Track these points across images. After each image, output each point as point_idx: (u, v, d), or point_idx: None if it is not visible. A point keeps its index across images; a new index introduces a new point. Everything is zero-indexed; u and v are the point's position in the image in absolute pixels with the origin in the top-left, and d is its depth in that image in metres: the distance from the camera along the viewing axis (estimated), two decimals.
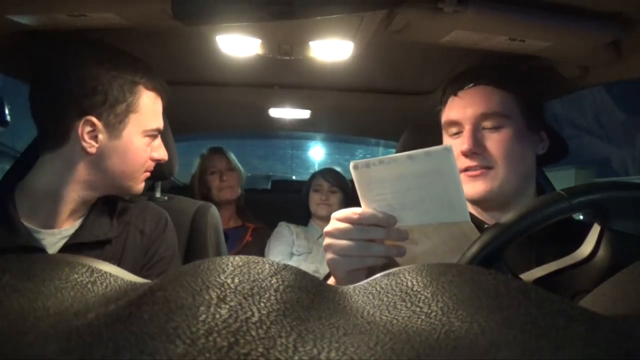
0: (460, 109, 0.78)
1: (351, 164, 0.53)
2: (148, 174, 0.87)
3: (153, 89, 0.82)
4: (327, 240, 0.55)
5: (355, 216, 0.53)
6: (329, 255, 0.55)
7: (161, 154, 0.86)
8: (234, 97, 1.38)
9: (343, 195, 1.82)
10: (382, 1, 0.67)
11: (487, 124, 0.75)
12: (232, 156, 1.88)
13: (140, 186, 0.86)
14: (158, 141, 0.85)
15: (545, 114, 0.84)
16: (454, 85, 0.81)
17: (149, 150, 0.83)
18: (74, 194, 0.77)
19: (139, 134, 0.80)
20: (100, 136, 0.75)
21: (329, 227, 0.55)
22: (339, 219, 0.55)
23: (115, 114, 0.76)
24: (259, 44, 0.90)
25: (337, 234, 0.54)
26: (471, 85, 0.78)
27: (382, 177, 0.52)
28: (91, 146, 0.75)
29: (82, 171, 0.77)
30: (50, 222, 0.76)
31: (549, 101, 1.03)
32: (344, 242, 0.53)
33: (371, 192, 0.53)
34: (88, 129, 0.74)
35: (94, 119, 0.74)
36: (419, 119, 1.35)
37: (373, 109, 1.46)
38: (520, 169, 0.76)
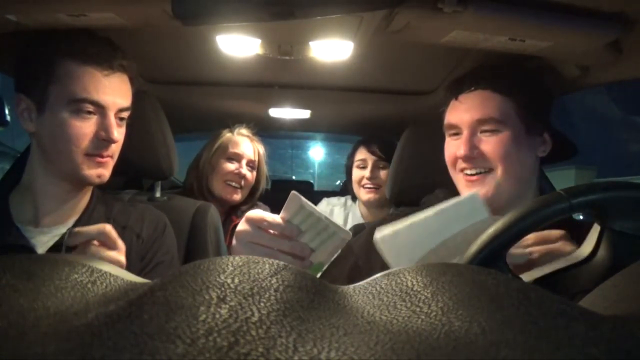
0: (459, 113, 0.80)
1: (378, 236, 0.54)
2: (108, 159, 0.77)
3: (74, 55, 0.73)
4: (237, 237, 0.57)
5: (265, 223, 0.55)
6: (238, 247, 0.57)
7: (109, 133, 0.74)
8: (234, 97, 1.38)
9: None
10: (382, 1, 0.67)
11: (484, 128, 0.77)
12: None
13: (92, 172, 0.76)
14: (107, 119, 0.75)
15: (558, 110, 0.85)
16: (455, 88, 0.82)
17: (84, 125, 0.73)
18: (45, 186, 0.77)
19: (62, 105, 0.73)
20: (33, 113, 0.75)
21: (240, 227, 0.57)
22: (252, 220, 0.56)
23: (37, 87, 0.74)
24: (259, 44, 0.90)
25: (247, 236, 0.56)
26: (471, 89, 0.79)
27: (411, 240, 0.54)
28: (28, 125, 0.75)
29: (37, 157, 0.77)
30: (39, 220, 0.76)
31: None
32: (252, 245, 0.55)
33: (401, 258, 0.55)
34: (22, 106, 0.75)
35: (22, 96, 0.75)
36: (419, 119, 1.35)
37: (373, 109, 1.46)
38: (519, 173, 0.77)
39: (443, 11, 0.65)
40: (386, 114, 1.50)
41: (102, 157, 0.76)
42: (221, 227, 1.16)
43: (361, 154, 1.47)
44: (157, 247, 0.86)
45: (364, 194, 1.42)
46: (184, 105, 1.41)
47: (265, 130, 2.13)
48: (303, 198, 0.53)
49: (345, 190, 1.64)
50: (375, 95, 1.35)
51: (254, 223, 0.56)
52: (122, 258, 0.66)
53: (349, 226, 1.28)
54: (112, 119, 0.76)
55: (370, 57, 1.02)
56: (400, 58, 1.06)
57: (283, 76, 1.24)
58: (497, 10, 0.66)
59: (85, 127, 0.74)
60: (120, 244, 0.66)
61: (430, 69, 1.14)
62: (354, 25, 0.79)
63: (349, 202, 1.64)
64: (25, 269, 0.28)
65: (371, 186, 1.41)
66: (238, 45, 0.90)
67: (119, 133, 0.78)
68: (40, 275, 0.28)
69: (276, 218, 0.55)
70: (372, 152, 1.43)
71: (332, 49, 0.91)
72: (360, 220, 1.48)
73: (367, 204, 1.44)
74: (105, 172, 0.78)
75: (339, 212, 1.56)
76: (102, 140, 0.75)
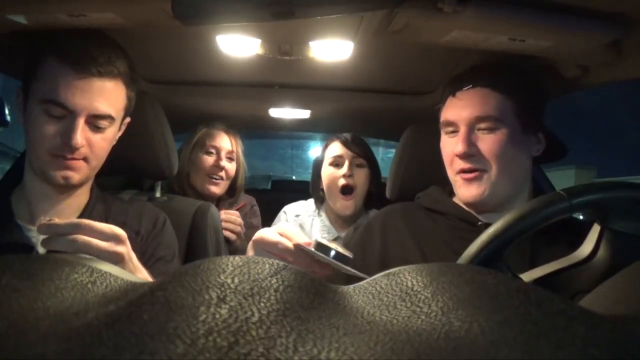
0: (456, 110, 0.80)
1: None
2: (76, 162, 0.74)
3: (55, 55, 0.72)
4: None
5: (276, 249, 0.54)
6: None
7: (70, 138, 0.71)
8: (234, 97, 1.38)
9: (370, 171, 1.32)
10: (382, 1, 0.67)
11: (482, 125, 0.77)
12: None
13: (58, 173, 0.73)
14: (72, 124, 0.72)
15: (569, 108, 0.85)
16: (453, 85, 0.82)
17: (50, 126, 0.72)
18: (34, 185, 0.77)
19: (36, 103, 0.72)
20: (22, 105, 0.76)
21: (249, 252, 0.55)
22: (262, 244, 0.54)
23: (26, 81, 0.75)
24: (259, 44, 0.90)
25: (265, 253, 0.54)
26: (469, 87, 0.79)
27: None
28: (21, 116, 0.77)
29: (26, 155, 0.78)
30: (36, 219, 0.76)
31: (550, 100, 1.03)
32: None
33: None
34: (18, 100, 0.77)
35: (20, 91, 0.77)
36: (419, 119, 1.35)
37: (373, 109, 1.46)
38: (513, 172, 0.78)
39: (443, 11, 0.65)
40: (386, 114, 1.50)
41: (67, 158, 0.73)
42: (221, 227, 1.16)
43: (335, 150, 1.34)
44: (157, 242, 0.86)
45: (339, 202, 1.28)
46: (184, 105, 1.41)
47: (265, 130, 2.13)
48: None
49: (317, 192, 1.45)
50: (375, 95, 1.35)
51: (264, 247, 0.54)
52: (119, 249, 0.59)
53: (316, 236, 1.06)
54: (79, 124, 0.72)
55: (370, 57, 1.01)
56: (400, 58, 1.06)
57: (283, 76, 1.24)
58: (497, 10, 0.66)
59: (51, 128, 0.71)
60: (116, 232, 0.59)
61: (430, 69, 1.14)
62: (354, 25, 0.79)
63: (312, 207, 1.48)
64: (25, 269, 0.28)
65: (347, 183, 1.28)
66: (238, 45, 0.90)
67: (87, 139, 0.74)
68: (40, 275, 0.28)
69: (287, 243, 0.53)
70: (349, 148, 1.32)
71: (332, 49, 0.91)
72: (331, 230, 1.37)
73: (341, 216, 1.31)
74: (74, 175, 0.75)
75: (306, 221, 1.43)
76: (64, 144, 0.72)
